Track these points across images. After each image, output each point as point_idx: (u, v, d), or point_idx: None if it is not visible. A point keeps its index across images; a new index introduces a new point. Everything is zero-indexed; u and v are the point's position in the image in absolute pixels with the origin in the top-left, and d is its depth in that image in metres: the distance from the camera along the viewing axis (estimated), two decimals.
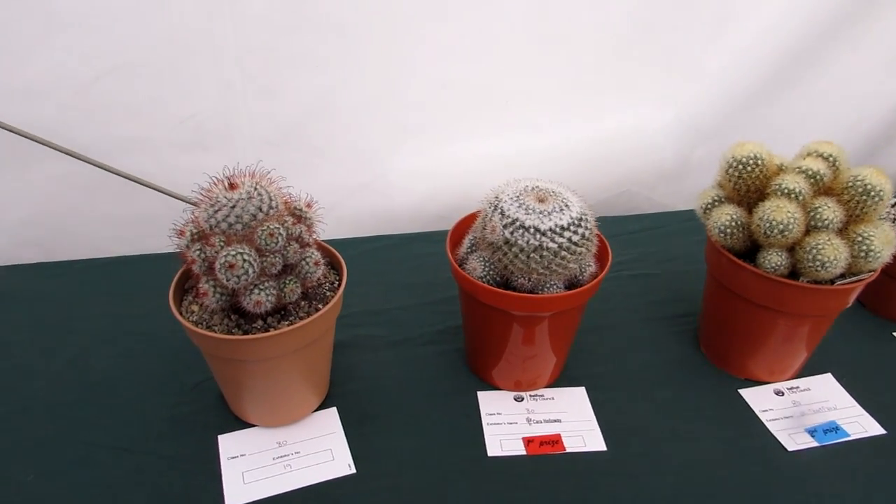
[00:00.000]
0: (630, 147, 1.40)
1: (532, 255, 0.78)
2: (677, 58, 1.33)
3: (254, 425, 0.86)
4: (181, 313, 0.77)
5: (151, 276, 1.08)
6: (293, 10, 1.09)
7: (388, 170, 1.28)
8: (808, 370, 0.97)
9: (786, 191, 0.83)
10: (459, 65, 1.22)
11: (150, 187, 0.85)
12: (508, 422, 0.88)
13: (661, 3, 1.25)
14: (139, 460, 0.81)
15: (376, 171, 1.28)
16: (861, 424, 0.89)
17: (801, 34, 1.31)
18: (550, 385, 0.94)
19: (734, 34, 1.31)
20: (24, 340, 0.99)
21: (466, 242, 0.88)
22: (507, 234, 0.79)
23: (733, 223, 0.86)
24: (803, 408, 0.92)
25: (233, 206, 0.70)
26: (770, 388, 0.95)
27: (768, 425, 0.89)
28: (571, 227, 0.79)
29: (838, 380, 0.97)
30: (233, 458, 0.82)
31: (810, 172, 0.85)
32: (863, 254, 0.82)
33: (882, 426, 0.89)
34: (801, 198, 0.83)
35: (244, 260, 0.69)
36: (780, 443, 0.86)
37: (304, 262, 0.75)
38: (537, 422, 0.88)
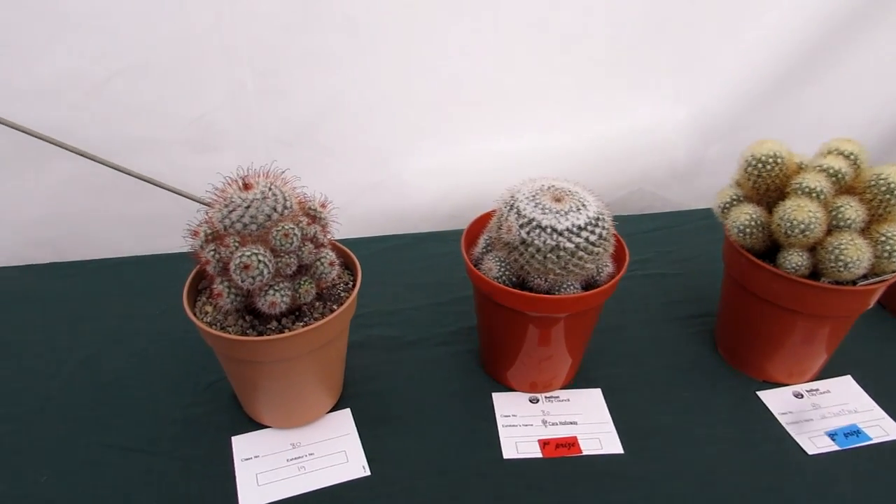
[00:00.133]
0: (643, 145, 1.39)
1: (549, 256, 0.77)
2: (691, 55, 1.31)
3: (267, 426, 0.85)
4: (195, 314, 0.77)
5: (164, 276, 1.08)
6: (304, 9, 1.08)
7: (401, 169, 1.28)
8: (827, 372, 0.96)
9: (807, 190, 0.81)
10: (472, 63, 1.21)
11: (163, 187, 0.85)
12: (524, 424, 0.87)
13: (674, 1, 1.24)
14: (152, 461, 0.81)
15: (388, 170, 1.27)
16: (883, 428, 0.88)
17: (816, 32, 1.29)
18: (566, 386, 0.93)
19: (748, 32, 1.30)
20: (37, 341, 0.99)
21: (481, 242, 0.87)
22: (523, 234, 0.78)
23: (753, 223, 0.85)
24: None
25: (247, 207, 0.69)
26: (789, 390, 0.94)
27: (787, 428, 0.88)
28: (588, 227, 0.78)
29: (858, 382, 0.95)
30: (246, 459, 0.81)
31: (832, 171, 0.83)
32: (886, 254, 0.80)
33: None
34: (822, 197, 0.81)
35: (259, 261, 0.68)
36: (800, 446, 0.85)
37: (318, 263, 0.74)
38: (553, 424, 0.87)
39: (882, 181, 0.81)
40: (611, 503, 0.78)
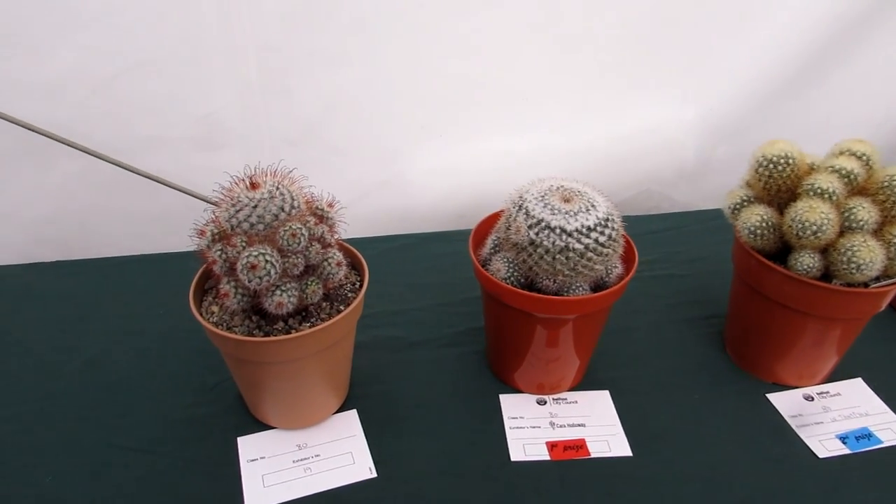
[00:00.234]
0: (650, 145, 1.38)
1: (558, 257, 0.76)
2: (699, 54, 1.30)
3: (273, 427, 0.85)
4: (201, 314, 0.76)
5: (170, 274, 1.08)
6: (311, 8, 1.08)
7: (407, 168, 1.27)
8: (837, 374, 0.95)
9: (819, 191, 0.81)
10: (479, 62, 1.21)
11: (170, 186, 0.84)
12: (531, 426, 0.87)
13: (682, 1, 1.23)
14: (157, 462, 0.80)
15: (394, 169, 1.27)
16: (894, 431, 0.87)
17: (825, 32, 1.28)
18: (574, 388, 0.92)
19: (756, 31, 1.29)
20: (43, 339, 0.98)
21: (489, 243, 0.87)
22: (532, 234, 0.77)
23: (763, 224, 0.84)
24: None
25: (255, 206, 0.69)
26: (799, 392, 0.93)
27: (798, 431, 0.87)
28: (598, 228, 0.77)
29: (869, 384, 0.94)
30: (252, 460, 0.81)
31: (844, 172, 0.83)
32: None
33: None
34: (834, 198, 0.80)
35: (266, 261, 0.67)
36: (810, 449, 0.84)
37: (326, 263, 0.73)
38: (561, 426, 0.87)
39: (895, 182, 0.80)
40: None
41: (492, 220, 0.90)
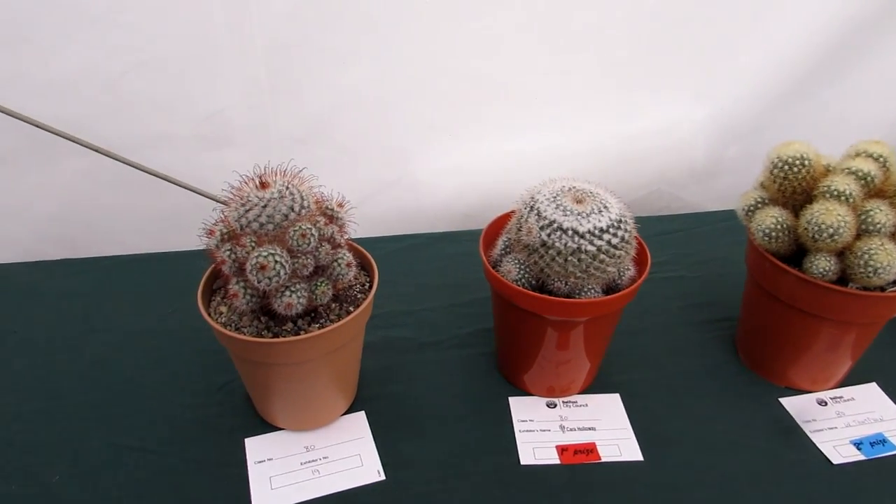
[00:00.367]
0: (661, 145, 1.37)
1: (570, 259, 0.75)
2: (711, 53, 1.29)
3: (281, 429, 0.84)
4: (209, 314, 0.76)
5: (177, 273, 1.07)
6: (320, 6, 1.07)
7: (416, 167, 1.26)
8: (851, 379, 0.94)
9: (835, 193, 0.79)
10: (489, 62, 1.20)
11: (179, 185, 0.84)
12: (541, 429, 0.86)
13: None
14: (164, 462, 0.80)
15: (403, 168, 1.26)
16: None
17: (838, 31, 1.27)
18: (584, 391, 0.91)
19: (769, 29, 1.27)
20: (49, 337, 0.98)
21: (500, 244, 0.86)
22: (543, 236, 0.76)
23: (778, 226, 0.82)
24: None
25: (264, 206, 0.68)
26: (812, 397, 0.91)
27: (811, 436, 0.86)
28: (611, 230, 0.76)
29: (883, 389, 0.93)
30: (260, 462, 0.80)
31: (860, 174, 0.81)
32: None
33: None
34: (851, 200, 0.79)
35: (276, 261, 0.67)
36: (824, 455, 0.83)
37: (335, 264, 0.73)
38: (571, 429, 0.86)
39: None
40: None
41: (502, 220, 0.89)
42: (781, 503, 0.78)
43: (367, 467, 0.80)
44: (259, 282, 0.67)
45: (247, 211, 0.69)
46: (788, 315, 0.86)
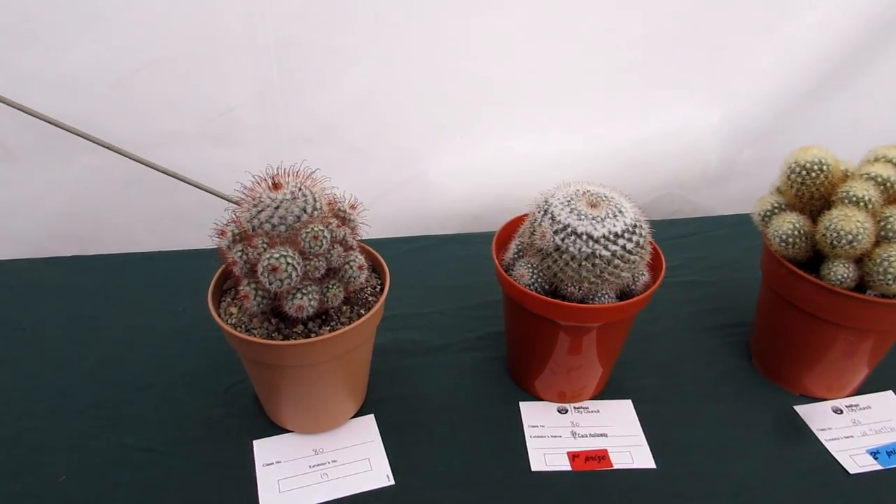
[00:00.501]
0: (674, 148, 1.36)
1: (584, 264, 0.75)
2: (725, 56, 1.28)
3: (290, 431, 0.83)
4: (219, 314, 0.75)
5: (187, 272, 1.07)
6: (332, 6, 1.06)
7: (426, 168, 1.25)
8: (867, 387, 0.92)
9: (854, 199, 0.78)
10: (501, 62, 1.19)
11: (191, 184, 0.83)
12: (552, 435, 0.85)
13: (708, 2, 1.21)
14: (172, 463, 0.79)
15: (413, 169, 1.25)
16: None
17: (854, 34, 1.26)
18: (596, 397, 0.90)
19: (785, 31, 1.26)
20: (58, 335, 0.98)
21: (513, 248, 0.85)
22: (557, 240, 0.75)
23: (796, 232, 0.81)
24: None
25: (276, 207, 0.67)
26: (828, 405, 0.90)
27: (827, 445, 0.84)
28: (625, 235, 0.75)
29: None
30: (268, 464, 0.80)
31: (880, 179, 0.80)
32: None
33: None
34: (870, 206, 0.78)
35: (288, 263, 0.66)
36: (840, 464, 0.82)
37: (347, 266, 0.72)
38: (582, 436, 0.85)
39: None
40: None
41: (515, 223, 0.88)
42: None
43: (375, 471, 0.79)
44: (270, 284, 0.67)
45: (259, 212, 0.68)
46: (804, 322, 0.85)
